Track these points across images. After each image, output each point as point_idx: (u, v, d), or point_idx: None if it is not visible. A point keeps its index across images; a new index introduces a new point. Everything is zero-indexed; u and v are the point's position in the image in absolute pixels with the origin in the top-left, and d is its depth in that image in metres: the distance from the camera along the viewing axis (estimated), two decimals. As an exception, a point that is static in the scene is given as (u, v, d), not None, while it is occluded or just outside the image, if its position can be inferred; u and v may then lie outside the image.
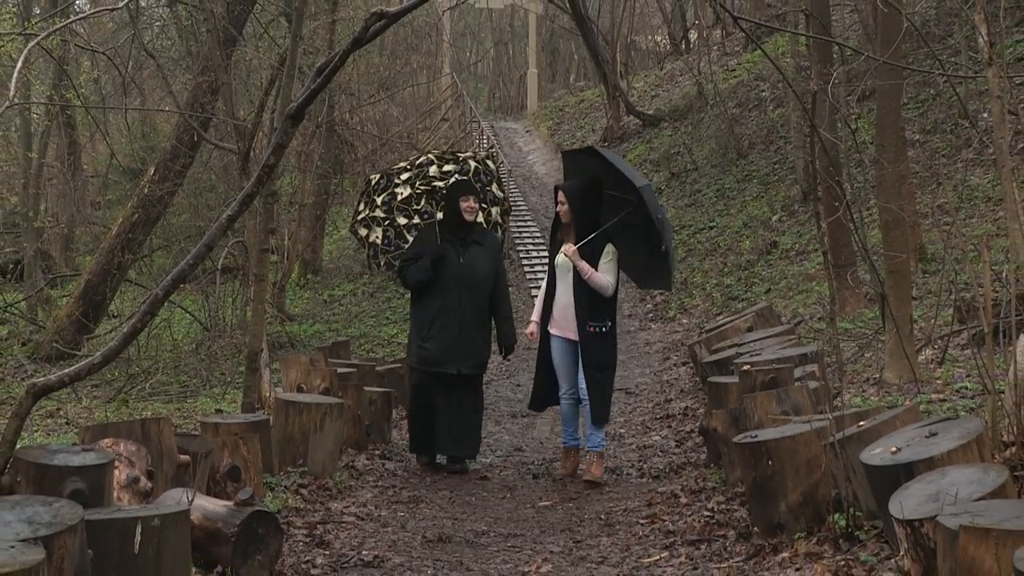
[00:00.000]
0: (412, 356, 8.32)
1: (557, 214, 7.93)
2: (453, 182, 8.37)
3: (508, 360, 9.49)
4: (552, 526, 6.39)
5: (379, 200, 8.58)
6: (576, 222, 7.74)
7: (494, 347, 8.47)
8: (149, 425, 5.57)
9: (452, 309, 7.97)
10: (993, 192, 13.05)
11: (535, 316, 8.04)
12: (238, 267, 15.41)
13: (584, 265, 7.61)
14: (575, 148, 8.12)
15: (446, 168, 8.61)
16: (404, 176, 8.64)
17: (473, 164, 8.76)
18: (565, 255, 7.67)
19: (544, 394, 8.06)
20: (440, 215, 8.38)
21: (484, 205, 8.61)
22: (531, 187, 25.80)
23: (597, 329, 7.65)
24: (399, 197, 8.57)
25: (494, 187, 8.91)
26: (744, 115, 22.49)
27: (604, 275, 7.64)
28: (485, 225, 8.64)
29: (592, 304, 7.64)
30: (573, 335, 7.70)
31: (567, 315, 7.72)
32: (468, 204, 8.05)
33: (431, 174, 8.59)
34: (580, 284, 7.66)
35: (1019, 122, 9.62)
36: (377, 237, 8.56)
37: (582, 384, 7.70)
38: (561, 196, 7.82)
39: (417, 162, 8.77)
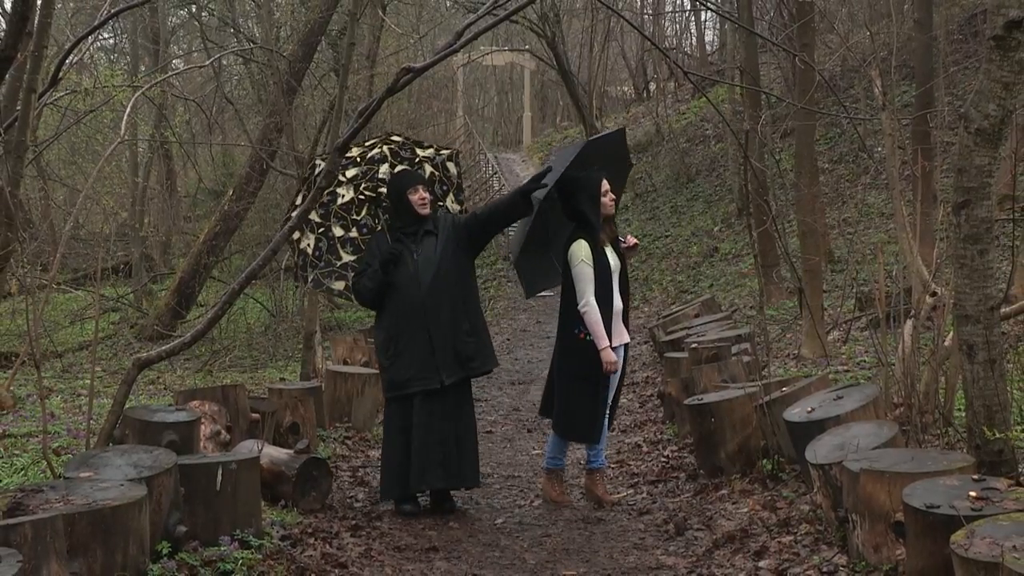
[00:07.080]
0: (383, 385, 5.39)
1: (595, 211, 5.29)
2: (396, 173, 5.51)
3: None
4: (542, 469, 6.35)
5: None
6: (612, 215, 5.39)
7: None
8: (228, 390, 5.58)
9: (415, 314, 5.17)
10: (886, 209, 13.02)
11: (605, 341, 5.19)
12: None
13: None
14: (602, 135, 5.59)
15: (399, 169, 5.59)
16: (350, 172, 5.59)
17: (429, 169, 5.66)
18: (636, 246, 5.51)
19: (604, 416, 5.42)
20: (381, 227, 5.53)
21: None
22: (526, 205, 25.78)
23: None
24: (339, 200, 5.59)
25: (449, 200, 5.72)
26: (692, 148, 22.41)
27: None
28: None
29: None
30: (624, 339, 5.42)
31: (620, 319, 5.38)
32: (419, 196, 5.31)
33: (380, 175, 5.58)
34: (625, 282, 5.42)
35: (905, 154, 9.59)
36: (309, 245, 5.58)
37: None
38: (607, 187, 5.31)
39: (369, 154, 5.64)
